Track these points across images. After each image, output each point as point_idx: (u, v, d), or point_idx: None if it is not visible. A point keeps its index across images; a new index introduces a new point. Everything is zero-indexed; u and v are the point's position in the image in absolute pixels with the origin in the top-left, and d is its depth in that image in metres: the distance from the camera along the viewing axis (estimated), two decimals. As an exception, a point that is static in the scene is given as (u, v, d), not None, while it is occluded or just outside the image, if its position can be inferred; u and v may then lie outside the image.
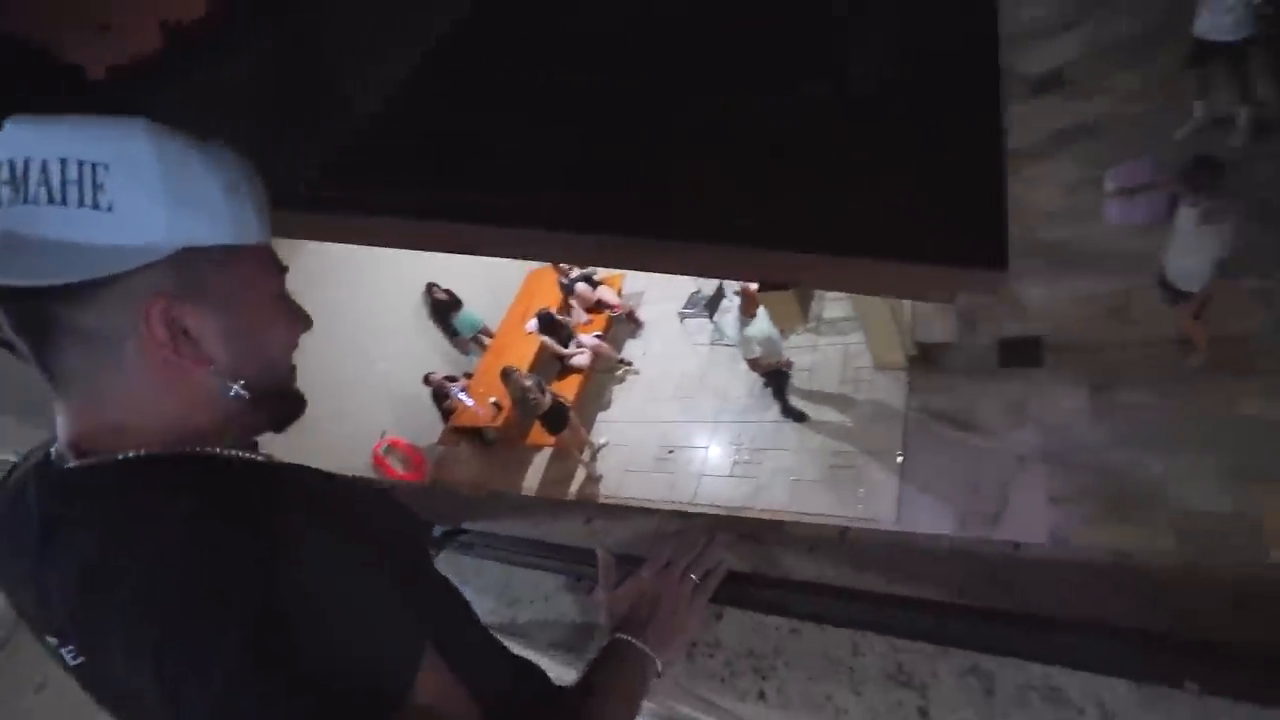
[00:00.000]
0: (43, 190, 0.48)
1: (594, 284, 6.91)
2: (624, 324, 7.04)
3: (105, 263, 0.48)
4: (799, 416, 5.10)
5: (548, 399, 5.37)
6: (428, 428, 6.49)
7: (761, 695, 0.79)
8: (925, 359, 4.85)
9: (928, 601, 0.78)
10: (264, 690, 0.43)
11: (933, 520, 4.07)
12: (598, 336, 6.51)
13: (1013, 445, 4.12)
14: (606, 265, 5.91)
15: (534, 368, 6.11)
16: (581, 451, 5.79)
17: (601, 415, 6.33)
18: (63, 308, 0.49)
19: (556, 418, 5.45)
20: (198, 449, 0.54)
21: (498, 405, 6.06)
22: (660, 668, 0.75)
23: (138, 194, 0.49)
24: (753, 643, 0.83)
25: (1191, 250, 3.31)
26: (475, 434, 6.51)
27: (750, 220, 0.99)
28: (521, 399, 5.29)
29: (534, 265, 7.35)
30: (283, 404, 0.64)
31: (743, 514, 4.65)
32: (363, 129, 1.61)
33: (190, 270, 0.52)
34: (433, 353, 6.83)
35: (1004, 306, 4.72)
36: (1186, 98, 4.79)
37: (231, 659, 0.42)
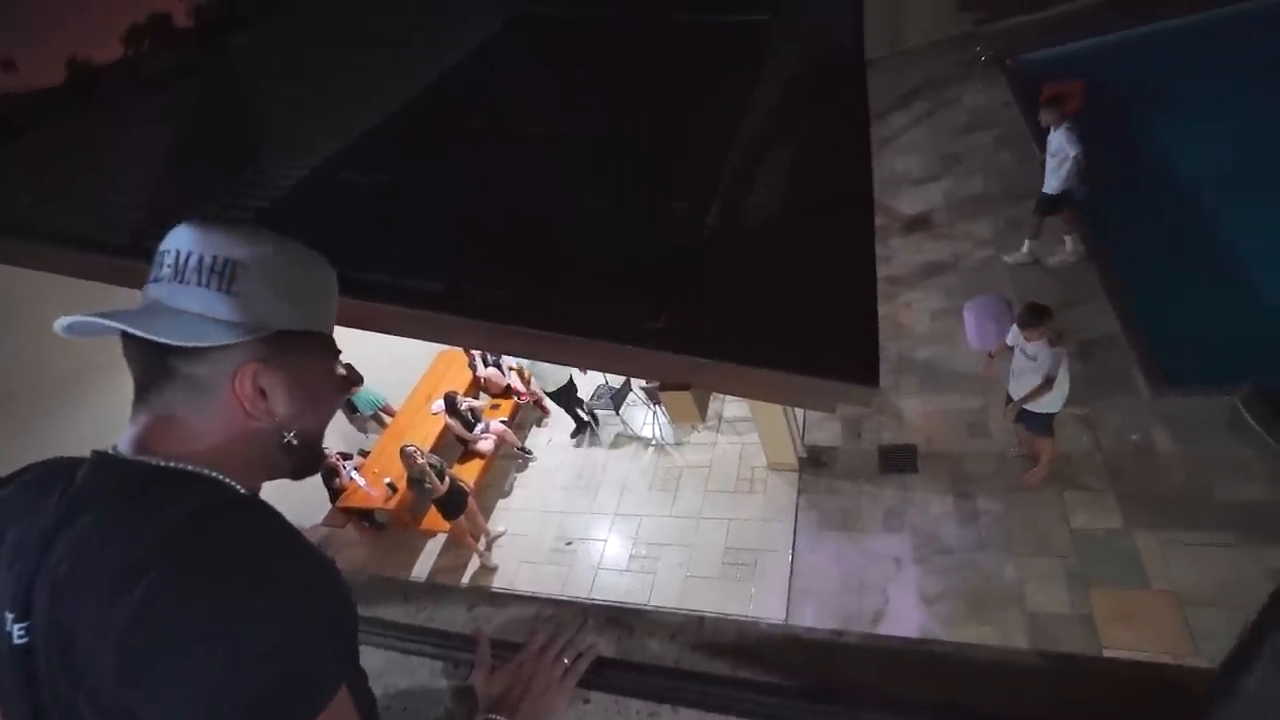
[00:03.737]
0: (195, 275, 0.65)
1: (504, 370, 6.95)
2: (531, 411, 7.05)
3: (223, 335, 0.64)
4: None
5: (446, 482, 5.22)
6: (314, 506, 6.06)
7: (618, 775, 0.86)
8: (814, 461, 5.18)
9: (765, 683, 0.89)
10: (216, 679, 0.50)
11: (819, 620, 4.22)
12: (503, 422, 6.47)
13: (891, 547, 4.42)
14: (515, 354, 5.98)
15: (436, 449, 5.95)
16: (478, 540, 5.59)
17: (501, 502, 6.18)
18: (179, 360, 0.64)
19: (454, 503, 5.28)
20: (221, 477, 0.65)
21: (392, 486, 5.80)
22: None
23: (258, 287, 0.66)
24: (614, 725, 0.90)
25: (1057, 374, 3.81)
26: (366, 516, 6.14)
27: (654, 324, 1.14)
28: (418, 480, 5.10)
29: (443, 347, 7.30)
30: (311, 457, 0.77)
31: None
32: (276, 198, 1.66)
33: (277, 345, 0.68)
34: (328, 429, 6.49)
35: (885, 416, 5.18)
36: (1021, 244, 5.75)
37: (190, 649, 0.50)
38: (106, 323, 0.62)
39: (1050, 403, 3.91)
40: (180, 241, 0.67)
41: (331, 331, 0.77)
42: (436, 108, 2.11)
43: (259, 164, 1.91)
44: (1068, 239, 5.55)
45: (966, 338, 5.35)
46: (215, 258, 0.65)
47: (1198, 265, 5.24)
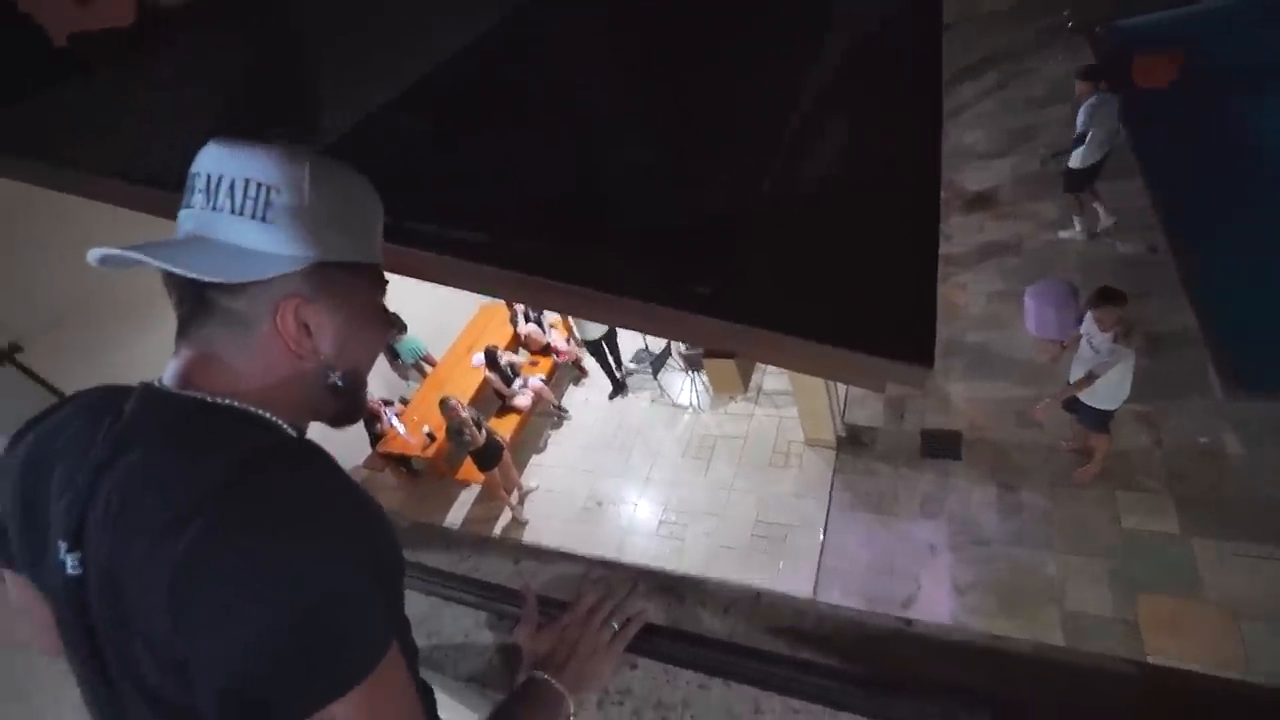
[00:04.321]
0: (227, 202, 0.60)
1: (544, 327, 6.96)
2: (569, 370, 7.08)
3: (262, 266, 0.60)
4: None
5: (483, 435, 5.29)
6: (355, 449, 6.24)
7: (664, 745, 0.83)
8: (853, 440, 5.07)
9: (826, 666, 0.84)
10: (263, 631, 0.48)
11: (846, 600, 4.19)
12: (542, 380, 6.51)
13: (926, 533, 4.32)
14: (558, 310, 5.98)
15: (474, 402, 6.03)
16: (510, 493, 5.69)
17: (535, 458, 6.26)
18: (219, 294, 0.61)
19: (490, 455, 5.36)
20: (270, 416, 0.62)
21: (431, 435, 5.91)
22: (572, 709, 0.78)
23: (296, 214, 0.61)
24: (662, 693, 0.87)
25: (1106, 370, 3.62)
26: (403, 462, 6.30)
27: (702, 288, 1.08)
28: (457, 431, 5.18)
29: (486, 300, 7.35)
30: (353, 403, 0.73)
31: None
32: (329, 145, 1.65)
33: (320, 278, 0.64)
34: (371, 374, 6.64)
35: (930, 399, 5.03)
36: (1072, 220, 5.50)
37: (241, 597, 0.48)
38: (138, 255, 0.57)
39: (1106, 398, 3.71)
40: (211, 163, 0.62)
41: (379, 261, 0.72)
42: (489, 58, 2.05)
43: (309, 107, 1.88)
44: (1076, 219, 5.58)
45: (1025, 324, 5.13)
46: (248, 182, 0.60)
47: (1288, 262, 4.87)
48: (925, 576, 4.12)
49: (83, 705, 0.62)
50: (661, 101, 1.67)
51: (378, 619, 0.55)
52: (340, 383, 0.68)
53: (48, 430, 0.67)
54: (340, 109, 1.79)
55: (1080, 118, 5.14)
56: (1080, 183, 5.42)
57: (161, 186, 1.56)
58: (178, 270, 0.58)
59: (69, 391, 0.73)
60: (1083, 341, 3.72)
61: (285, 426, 0.63)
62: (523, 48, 2.09)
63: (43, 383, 2.05)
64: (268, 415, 0.62)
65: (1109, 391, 3.66)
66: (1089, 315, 3.62)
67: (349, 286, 0.67)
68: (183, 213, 0.63)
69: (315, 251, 0.63)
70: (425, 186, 1.47)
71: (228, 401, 0.61)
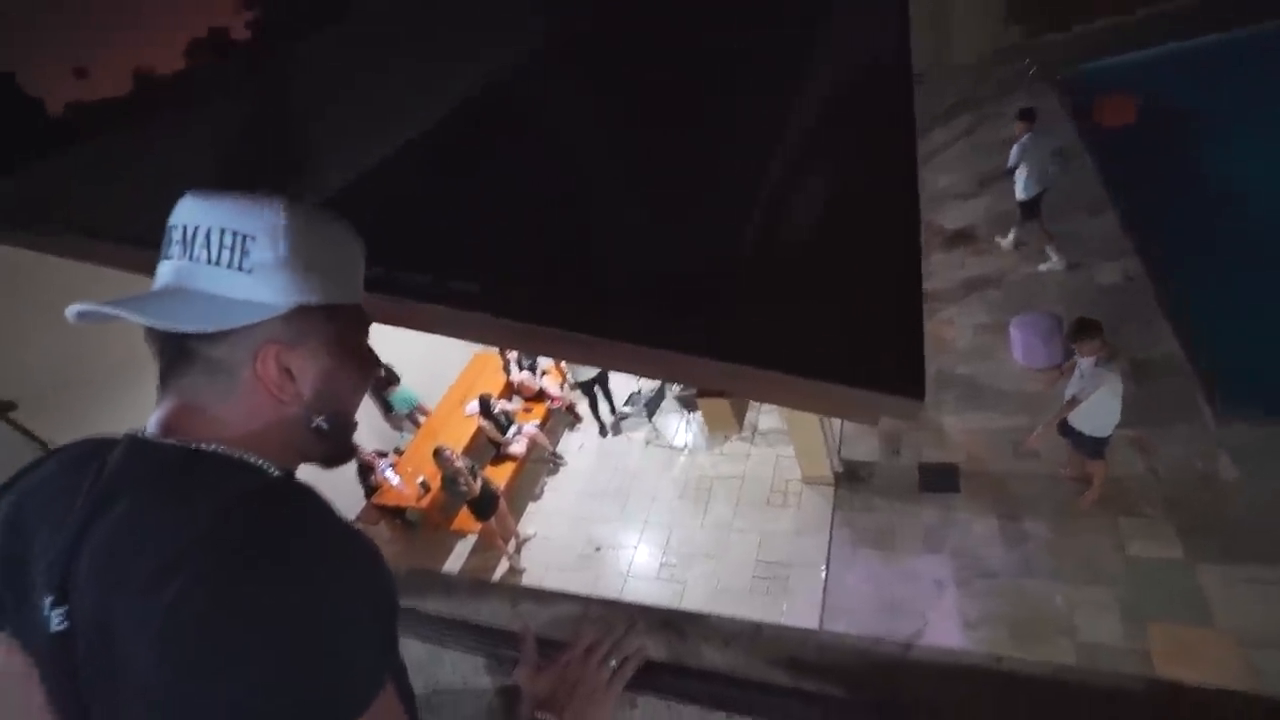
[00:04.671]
0: (204, 252, 0.61)
1: (537, 374, 6.97)
2: (563, 417, 7.06)
3: (241, 315, 0.60)
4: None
5: (479, 484, 5.23)
6: (349, 501, 6.15)
7: (669, 784, 0.81)
8: (850, 476, 5.05)
9: (829, 696, 0.83)
10: (258, 678, 0.47)
11: (852, 639, 4.09)
12: (536, 426, 6.48)
13: (930, 568, 4.27)
14: (550, 355, 6.01)
15: (469, 451, 5.98)
16: (508, 542, 5.59)
17: (531, 505, 6.19)
18: (200, 344, 0.61)
19: (486, 504, 5.30)
20: (255, 460, 0.61)
21: (425, 486, 5.84)
22: None
23: (273, 261, 0.61)
24: (665, 731, 0.86)
25: (1088, 394, 3.66)
26: (397, 514, 6.20)
27: (693, 329, 1.11)
28: (451, 480, 5.13)
29: (479, 348, 7.37)
30: (340, 443, 0.72)
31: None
32: (324, 200, 1.69)
33: (301, 322, 0.64)
34: (364, 426, 6.61)
35: (925, 433, 5.04)
36: (1073, 260, 5.59)
37: (234, 642, 0.48)
38: (114, 311, 0.58)
39: (1098, 424, 3.74)
40: (187, 214, 0.62)
41: (359, 301, 0.71)
42: (477, 111, 2.13)
43: (303, 162, 1.95)
44: (1050, 249, 5.85)
45: (1013, 354, 5.19)
46: (224, 231, 0.61)
47: (1265, 288, 4.99)
48: (932, 612, 4.05)
49: None
50: (648, 149, 1.74)
51: (369, 658, 0.55)
52: (325, 425, 0.68)
53: (30, 487, 0.65)
54: (333, 163, 1.86)
55: (1013, 153, 5.63)
56: (1033, 210, 5.77)
57: (148, 245, 1.60)
58: (154, 324, 0.58)
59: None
60: (1075, 370, 3.78)
61: (272, 469, 0.62)
62: (511, 101, 2.18)
63: (35, 439, 2.05)
64: (253, 459, 0.61)
65: (1099, 417, 3.69)
66: (1074, 346, 3.69)
67: (330, 329, 0.67)
68: (161, 265, 0.64)
69: (294, 297, 0.63)
70: (416, 237, 1.50)
71: (213, 448, 0.60)
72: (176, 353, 0.62)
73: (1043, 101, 7.83)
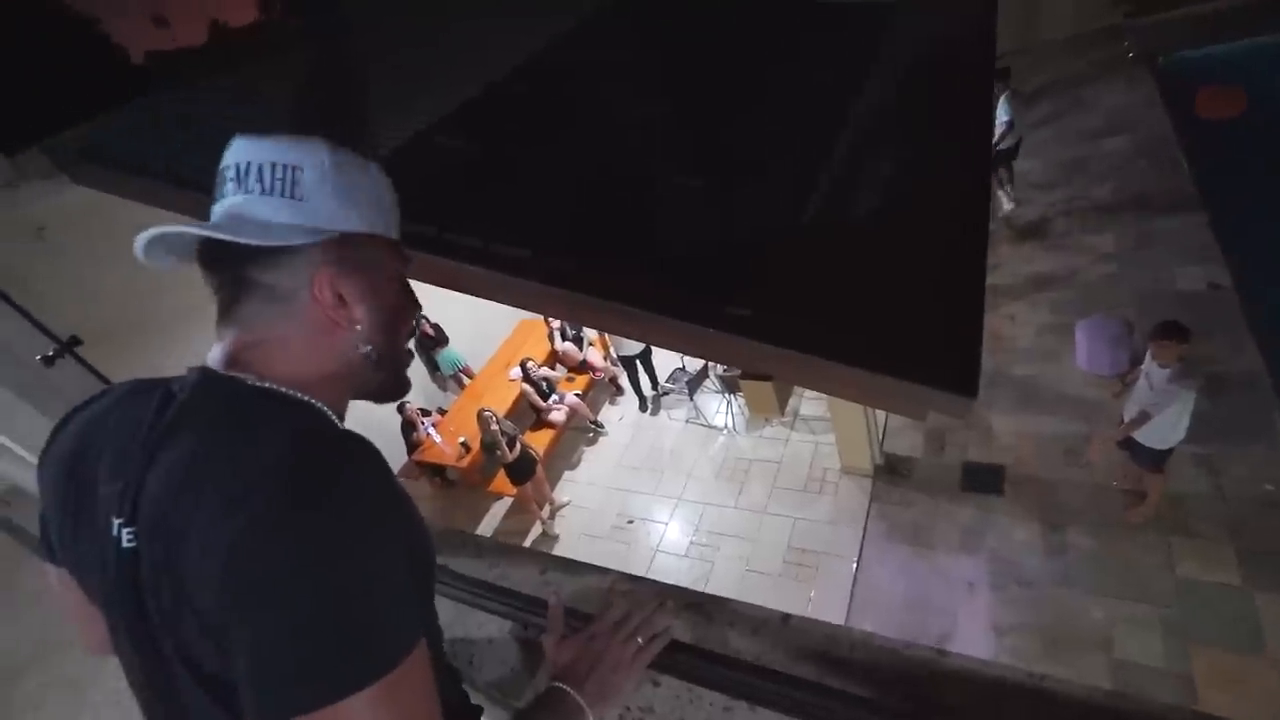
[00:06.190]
0: (258, 184, 0.66)
1: (582, 344, 7.02)
2: (605, 388, 7.11)
3: (295, 236, 0.65)
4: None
5: (518, 448, 5.34)
6: (391, 456, 6.37)
7: (685, 766, 0.82)
8: (891, 470, 4.95)
9: (855, 696, 0.82)
10: (307, 611, 0.50)
11: (879, 633, 4.05)
12: (578, 395, 6.55)
13: (965, 569, 4.17)
14: (596, 327, 6.03)
15: (510, 415, 6.10)
16: (542, 508, 5.71)
17: (568, 474, 6.28)
18: (256, 270, 0.65)
19: (523, 469, 5.41)
20: (315, 403, 0.66)
21: (466, 446, 6.00)
22: None
23: (320, 190, 0.66)
24: (685, 713, 0.86)
25: (1161, 409, 3.45)
26: (437, 471, 6.40)
27: (740, 310, 1.08)
28: (491, 443, 5.24)
29: (525, 315, 7.46)
30: (394, 376, 0.77)
31: (691, 597, 4.59)
32: (380, 160, 1.72)
33: (348, 250, 0.68)
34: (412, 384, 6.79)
35: (972, 431, 4.87)
36: (1151, 263, 5.23)
37: (293, 574, 0.51)
38: (176, 229, 0.63)
39: (1163, 437, 3.54)
40: (239, 155, 0.67)
41: (397, 238, 0.76)
42: (535, 80, 2.11)
43: (361, 123, 1.96)
44: (999, 192, 6.45)
45: (1076, 358, 4.95)
46: (275, 164, 0.66)
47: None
48: (963, 614, 3.96)
49: (119, 699, 0.64)
50: (707, 124, 1.70)
51: (412, 607, 0.58)
52: (375, 355, 0.72)
53: (92, 417, 0.70)
54: (391, 125, 1.87)
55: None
56: (996, 162, 6.23)
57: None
58: (223, 236, 0.63)
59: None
60: (1141, 378, 3.58)
61: (329, 413, 0.66)
62: (569, 71, 2.15)
63: (99, 376, 2.18)
64: (312, 401, 0.65)
65: (1165, 430, 3.50)
66: (1149, 351, 3.48)
67: (374, 257, 0.71)
68: (215, 206, 0.68)
69: (341, 224, 0.68)
70: (469, 201, 1.50)
71: (275, 387, 0.64)
72: (236, 283, 0.66)
73: (1140, 88, 7.31)
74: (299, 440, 0.58)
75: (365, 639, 0.52)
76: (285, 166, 0.66)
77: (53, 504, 0.69)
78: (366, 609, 0.53)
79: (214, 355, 0.66)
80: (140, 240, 0.65)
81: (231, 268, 0.66)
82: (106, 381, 2.15)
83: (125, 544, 0.59)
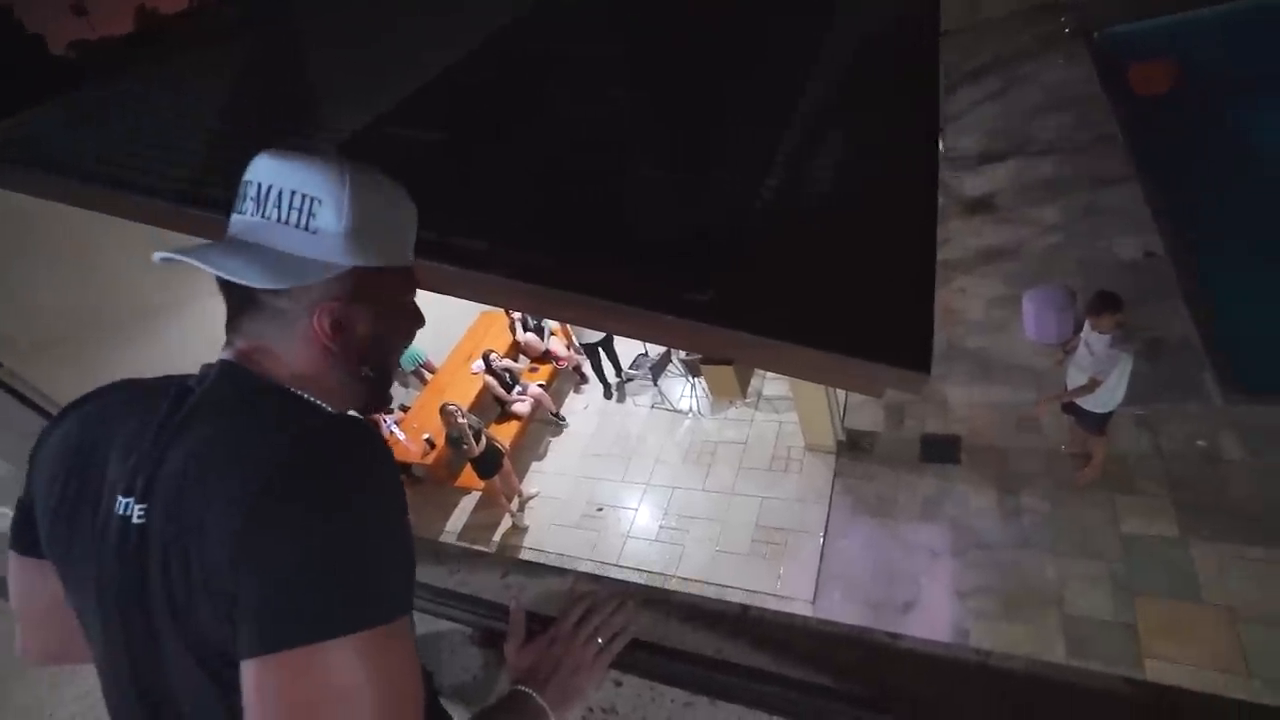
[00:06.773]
0: (275, 211, 0.68)
1: (544, 335, 6.96)
2: (569, 377, 7.07)
3: (305, 272, 0.67)
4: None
5: (483, 442, 5.28)
6: (352, 458, 6.25)
7: (649, 764, 0.83)
8: (853, 445, 5.06)
9: (813, 684, 0.84)
10: (318, 556, 0.54)
11: (847, 604, 4.17)
12: (541, 386, 6.50)
13: (927, 538, 4.31)
14: (556, 319, 5.98)
15: (474, 408, 6.02)
16: (511, 500, 5.68)
17: (535, 465, 6.26)
18: (265, 295, 0.68)
19: (490, 462, 5.36)
20: (313, 398, 0.69)
21: (431, 442, 5.91)
22: None
23: (335, 224, 0.68)
24: (647, 711, 0.87)
25: (1106, 374, 3.59)
26: (403, 469, 6.30)
27: (700, 297, 1.08)
28: (457, 438, 5.18)
29: (486, 307, 7.35)
30: (382, 391, 0.79)
31: (663, 578, 4.64)
32: (333, 146, 1.66)
33: (357, 282, 0.70)
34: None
35: (929, 404, 5.02)
36: (1093, 233, 5.42)
37: (297, 539, 0.54)
38: (195, 262, 0.65)
39: (1103, 401, 3.70)
40: (262, 174, 0.69)
41: (410, 263, 0.77)
42: (492, 70, 2.05)
43: (314, 116, 1.89)
44: None
45: (1024, 328, 5.12)
46: (294, 193, 0.67)
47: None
48: (926, 580, 4.10)
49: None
50: (662, 113, 1.68)
51: (408, 579, 0.61)
52: (371, 374, 0.75)
53: (92, 413, 0.72)
54: (345, 116, 1.80)
55: None
56: None
57: (158, 196, 1.56)
58: (234, 279, 0.65)
59: (60, 401, 0.75)
60: (1080, 345, 3.72)
61: (328, 409, 0.70)
62: (528, 61, 2.10)
63: (23, 399, 2.06)
64: (311, 398, 0.69)
65: (1106, 394, 3.66)
66: (1087, 321, 3.62)
67: (382, 289, 0.73)
68: (235, 217, 0.71)
69: (352, 259, 0.69)
70: (427, 195, 1.46)
71: (290, 388, 0.68)
72: (246, 300, 0.69)
73: (1079, 64, 7.52)
74: (315, 423, 0.64)
75: (363, 590, 0.56)
76: (304, 197, 0.67)
77: (45, 496, 0.70)
78: (367, 565, 0.56)
79: (229, 354, 0.70)
80: (157, 257, 0.67)
81: (243, 289, 0.68)
82: (34, 405, 2.04)
83: (136, 519, 0.61)
